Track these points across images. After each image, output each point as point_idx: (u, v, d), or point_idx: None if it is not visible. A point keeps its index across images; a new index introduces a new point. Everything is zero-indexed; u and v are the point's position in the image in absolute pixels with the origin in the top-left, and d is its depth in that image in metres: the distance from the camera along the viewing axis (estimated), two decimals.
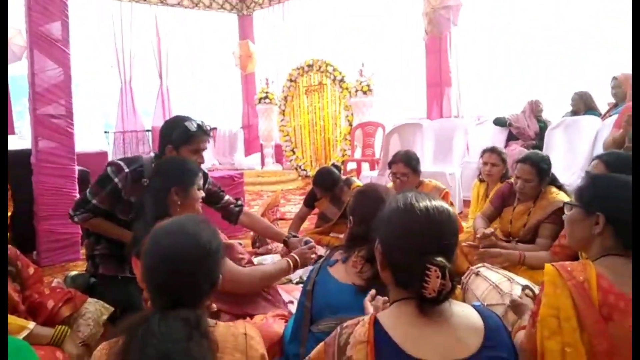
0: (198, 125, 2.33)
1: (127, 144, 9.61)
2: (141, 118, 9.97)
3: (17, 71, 7.51)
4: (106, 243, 2.43)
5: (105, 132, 9.74)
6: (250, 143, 10.43)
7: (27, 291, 1.89)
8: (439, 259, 0.98)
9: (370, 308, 1.43)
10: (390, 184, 3.27)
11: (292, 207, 5.93)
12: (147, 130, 10.01)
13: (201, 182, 2.10)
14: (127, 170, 2.31)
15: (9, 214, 3.51)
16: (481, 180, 3.65)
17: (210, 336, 1.09)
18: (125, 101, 9.73)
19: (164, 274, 1.12)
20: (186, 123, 2.30)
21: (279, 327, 1.81)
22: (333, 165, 4.24)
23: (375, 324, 1.03)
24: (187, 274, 1.12)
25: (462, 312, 1.06)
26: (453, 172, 5.42)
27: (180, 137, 2.30)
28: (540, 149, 4.82)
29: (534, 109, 5.37)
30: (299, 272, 2.62)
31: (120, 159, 2.40)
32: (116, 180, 2.29)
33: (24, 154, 3.87)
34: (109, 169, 2.33)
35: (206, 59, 10.55)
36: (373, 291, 1.47)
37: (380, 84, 7.72)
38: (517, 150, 4.87)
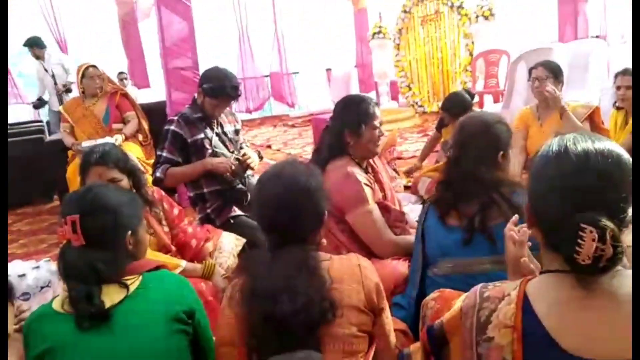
0: (228, 91, 2.51)
1: (248, 91, 10.01)
2: (259, 64, 10.28)
3: (147, 29, 8.14)
4: (212, 199, 2.61)
5: None
6: (365, 82, 10.28)
7: (174, 230, 2.11)
8: (598, 217, 0.77)
9: (511, 248, 1.21)
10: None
11: (409, 145, 5.82)
12: (266, 76, 10.32)
13: (377, 122, 2.06)
14: (176, 117, 2.59)
15: (153, 160, 3.88)
16: (618, 108, 3.23)
17: (318, 272, 1.13)
18: (243, 48, 10.06)
19: (270, 214, 1.20)
20: (221, 83, 2.51)
21: (403, 267, 1.83)
22: (466, 91, 3.90)
23: (525, 303, 0.86)
24: (290, 213, 1.18)
25: None
26: (589, 100, 4.87)
27: (211, 91, 2.52)
28: None
29: None
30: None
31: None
32: (172, 127, 2.54)
33: (161, 106, 4.24)
34: (165, 127, 2.58)
35: None
36: (516, 217, 1.27)
37: (503, 7, 7.06)
38: None
